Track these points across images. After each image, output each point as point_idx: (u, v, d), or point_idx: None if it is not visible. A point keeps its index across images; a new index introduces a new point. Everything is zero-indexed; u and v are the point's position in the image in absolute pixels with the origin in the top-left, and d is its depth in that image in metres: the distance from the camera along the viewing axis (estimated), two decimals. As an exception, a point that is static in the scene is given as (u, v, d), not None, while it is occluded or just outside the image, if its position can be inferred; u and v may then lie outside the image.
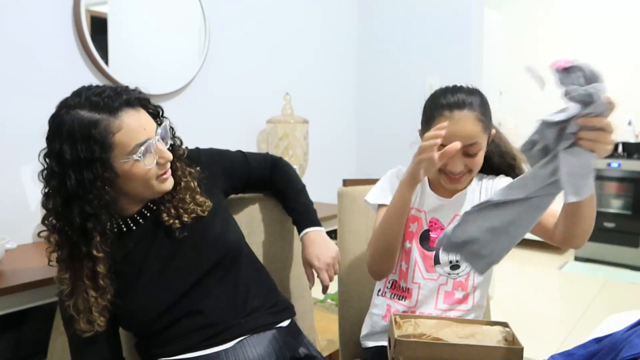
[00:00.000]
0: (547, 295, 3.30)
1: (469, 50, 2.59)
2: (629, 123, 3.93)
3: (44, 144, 1.56)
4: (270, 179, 1.27)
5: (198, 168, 1.07)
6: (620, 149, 3.89)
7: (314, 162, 2.57)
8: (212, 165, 1.13)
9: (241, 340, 1.00)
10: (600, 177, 3.80)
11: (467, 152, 1.08)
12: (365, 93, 3.00)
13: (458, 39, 2.61)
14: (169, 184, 0.99)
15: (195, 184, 1.05)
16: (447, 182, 1.14)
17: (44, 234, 0.91)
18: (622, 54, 3.99)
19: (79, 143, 0.84)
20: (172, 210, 1.00)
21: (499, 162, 1.23)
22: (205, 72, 2.14)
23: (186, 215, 1.00)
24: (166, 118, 1.01)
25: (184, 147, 1.07)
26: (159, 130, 0.96)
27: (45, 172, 0.88)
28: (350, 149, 3.05)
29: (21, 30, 1.57)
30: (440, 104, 1.10)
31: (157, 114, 0.99)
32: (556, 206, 1.16)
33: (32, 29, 1.59)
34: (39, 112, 1.67)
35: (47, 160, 0.88)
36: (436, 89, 1.17)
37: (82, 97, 0.89)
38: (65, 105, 0.89)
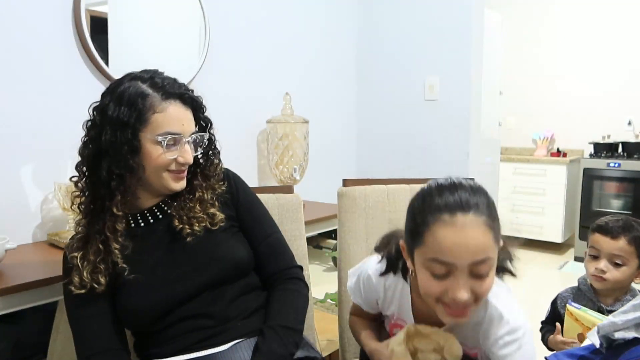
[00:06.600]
0: (547, 295, 3.29)
1: (469, 50, 2.59)
2: (629, 123, 3.93)
3: (44, 144, 1.57)
4: (271, 284, 1.11)
5: (224, 187, 1.10)
6: (620, 149, 3.89)
7: (314, 162, 2.57)
8: (240, 196, 1.13)
9: (237, 343, 1.00)
10: (600, 177, 3.79)
11: (475, 272, 0.80)
12: (365, 93, 3.00)
13: (458, 39, 2.61)
14: (179, 185, 1.02)
15: (210, 196, 1.06)
16: (444, 314, 0.85)
17: (75, 178, 0.99)
18: (622, 54, 3.99)
19: (123, 106, 0.94)
20: (184, 217, 1.02)
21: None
22: (205, 72, 2.14)
23: (197, 223, 1.01)
24: (212, 134, 1.08)
25: (219, 169, 1.10)
26: (195, 136, 1.02)
27: (89, 122, 0.97)
28: (350, 149, 3.05)
29: (21, 30, 1.57)
30: (436, 205, 0.82)
31: (205, 126, 1.06)
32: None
33: (32, 29, 1.59)
34: (39, 112, 1.68)
35: (94, 111, 0.97)
36: (425, 186, 0.88)
37: (149, 74, 0.99)
38: (131, 74, 1.00)
